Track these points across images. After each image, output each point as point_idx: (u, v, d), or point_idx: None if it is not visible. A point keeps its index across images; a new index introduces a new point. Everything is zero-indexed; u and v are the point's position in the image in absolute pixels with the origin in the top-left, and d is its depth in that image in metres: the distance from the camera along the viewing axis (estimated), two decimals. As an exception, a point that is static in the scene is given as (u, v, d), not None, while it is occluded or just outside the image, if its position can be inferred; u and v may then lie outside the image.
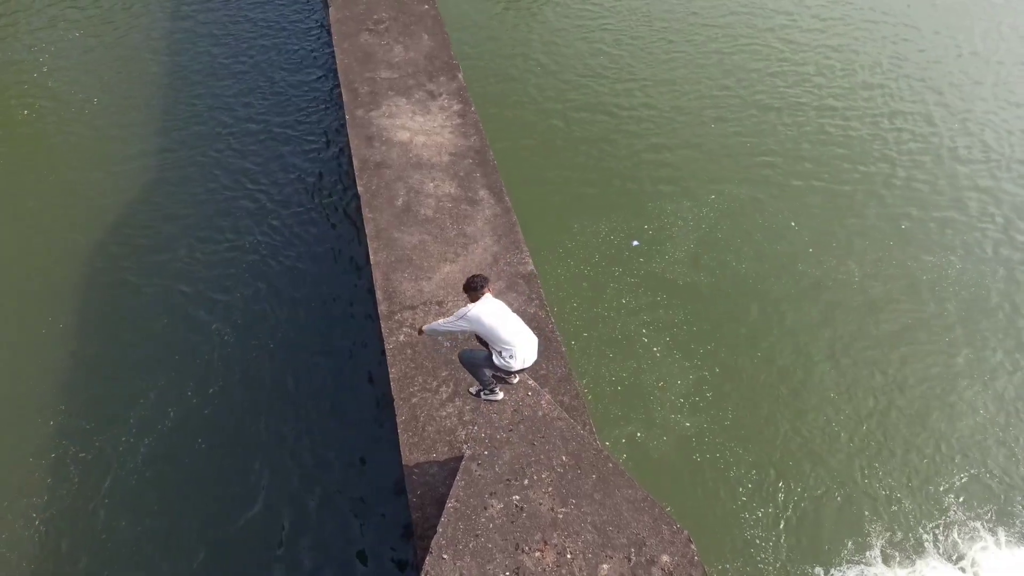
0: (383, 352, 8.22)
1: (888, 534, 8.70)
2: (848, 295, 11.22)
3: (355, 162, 10.37)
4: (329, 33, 13.79)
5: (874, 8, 18.03)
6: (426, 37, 12.77)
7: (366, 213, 9.66)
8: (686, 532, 5.75)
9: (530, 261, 9.16)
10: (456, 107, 11.36)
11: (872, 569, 8.40)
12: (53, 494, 8.71)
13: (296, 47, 16.03)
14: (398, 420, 7.47)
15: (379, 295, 8.69)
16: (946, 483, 9.16)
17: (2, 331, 10.39)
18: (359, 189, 9.97)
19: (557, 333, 8.41)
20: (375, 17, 13.17)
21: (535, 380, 7.07)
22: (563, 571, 5.49)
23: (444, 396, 7.69)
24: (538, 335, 7.94)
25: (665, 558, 5.62)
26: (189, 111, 14.22)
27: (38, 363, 10.01)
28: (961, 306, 11.14)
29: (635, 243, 11.77)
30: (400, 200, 9.84)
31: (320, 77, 15.08)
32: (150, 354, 10.07)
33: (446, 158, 10.53)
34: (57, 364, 9.98)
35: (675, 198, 12.64)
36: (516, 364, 6.27)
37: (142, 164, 13.03)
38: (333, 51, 12.72)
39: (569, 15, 17.35)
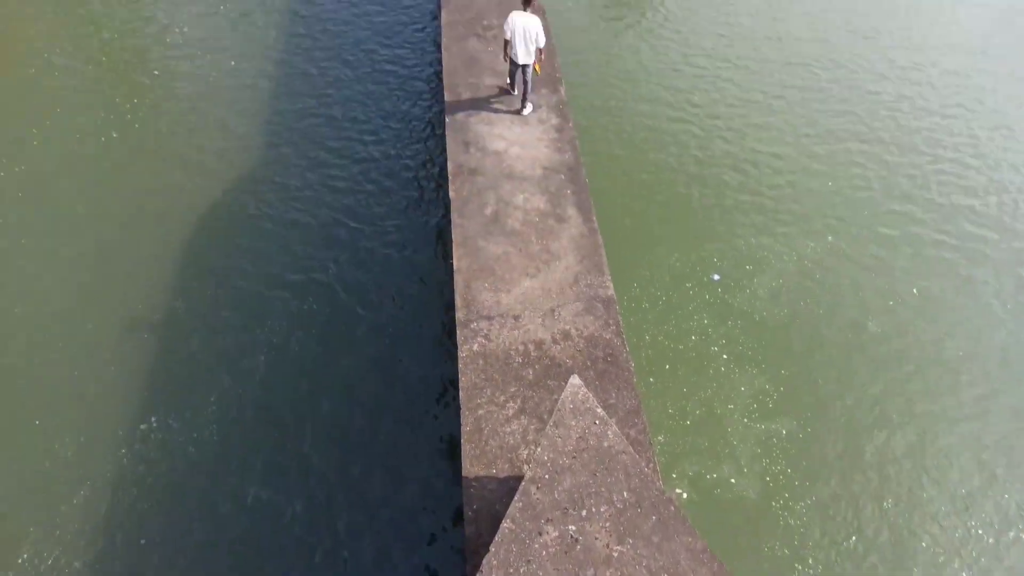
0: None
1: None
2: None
3: (450, 166, 10.51)
4: (438, 38, 14.04)
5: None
6: (532, 48, 12.82)
7: (455, 218, 9.78)
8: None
9: (611, 285, 9.07)
10: (554, 121, 11.37)
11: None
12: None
13: (407, 50, 16.39)
14: (462, 430, 7.53)
15: (458, 301, 8.78)
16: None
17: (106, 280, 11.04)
18: (451, 194, 10.10)
19: (630, 362, 8.31)
20: (484, 23, 13.32)
21: (604, 409, 6.98)
22: (611, 611, 5.41)
23: (511, 412, 7.70)
24: (612, 363, 7.82)
25: (718, 614, 5.46)
26: (300, 104, 14.77)
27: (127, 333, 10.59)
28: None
29: (715, 277, 11.50)
30: (489, 209, 9.91)
31: (426, 80, 15.37)
32: (226, 347, 10.45)
33: (539, 171, 10.55)
34: (140, 346, 10.53)
35: (764, 235, 12.30)
36: (511, 57, 10.71)
37: (244, 149, 13.59)
38: (440, 55, 12.93)
39: (681, 34, 17.13)
